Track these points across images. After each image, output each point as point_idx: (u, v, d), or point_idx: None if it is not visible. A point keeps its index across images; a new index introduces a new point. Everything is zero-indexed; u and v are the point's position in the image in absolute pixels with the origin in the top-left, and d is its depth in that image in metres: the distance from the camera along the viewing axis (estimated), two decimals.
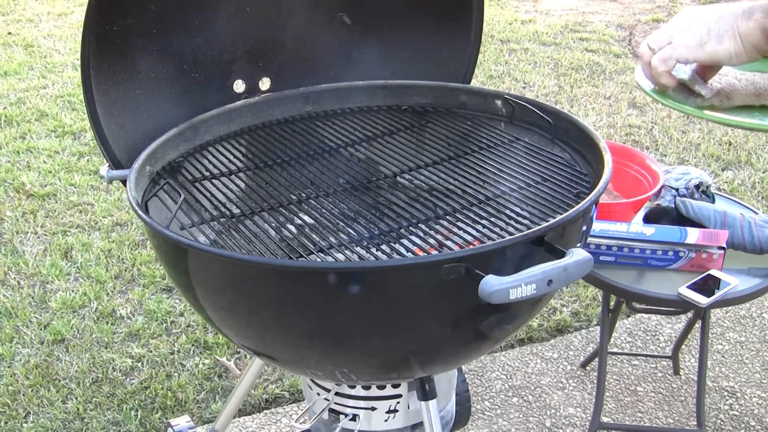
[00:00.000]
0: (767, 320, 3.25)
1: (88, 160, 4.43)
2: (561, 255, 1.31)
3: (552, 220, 1.39)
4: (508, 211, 1.57)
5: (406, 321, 1.40)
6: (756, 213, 2.34)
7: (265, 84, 2.03)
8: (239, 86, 1.99)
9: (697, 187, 2.40)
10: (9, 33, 6.60)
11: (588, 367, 2.95)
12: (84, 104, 1.70)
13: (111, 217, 3.84)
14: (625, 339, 3.12)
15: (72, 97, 5.28)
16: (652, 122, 4.94)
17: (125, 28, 1.72)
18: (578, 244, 1.52)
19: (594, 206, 1.51)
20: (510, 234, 1.47)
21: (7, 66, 5.87)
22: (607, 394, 2.80)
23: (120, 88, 1.76)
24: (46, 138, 4.73)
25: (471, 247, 1.43)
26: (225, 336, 1.67)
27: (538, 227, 1.37)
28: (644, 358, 3.03)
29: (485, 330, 1.49)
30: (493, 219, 1.55)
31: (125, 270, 3.44)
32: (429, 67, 2.10)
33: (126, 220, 3.81)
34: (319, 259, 1.45)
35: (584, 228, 1.52)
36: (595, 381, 2.83)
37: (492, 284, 1.21)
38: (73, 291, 3.30)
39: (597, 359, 2.86)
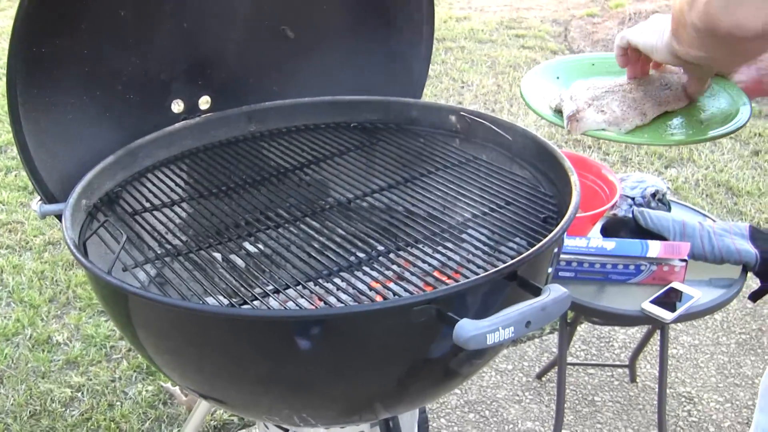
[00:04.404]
0: (719, 322, 3.22)
1: (15, 176, 4.24)
2: (536, 291, 1.23)
3: (525, 254, 1.30)
4: (474, 240, 1.48)
5: (371, 365, 1.31)
6: (714, 221, 2.29)
7: (205, 103, 1.91)
8: (178, 106, 1.87)
9: (653, 195, 2.35)
10: None
11: (544, 378, 2.89)
12: (11, 132, 1.57)
13: (43, 236, 3.68)
14: (579, 347, 3.06)
15: None
16: None
17: (55, 50, 1.60)
18: (549, 269, 1.44)
19: (564, 234, 1.43)
20: (477, 266, 1.39)
21: None
22: (565, 405, 2.73)
23: (50, 115, 1.63)
24: None
25: (441, 284, 1.35)
26: (168, 378, 1.56)
27: (510, 262, 1.28)
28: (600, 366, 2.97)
29: (455, 368, 1.40)
30: (456, 249, 1.46)
31: (60, 292, 3.28)
32: (378, 81, 2.00)
33: (58, 238, 3.65)
34: (274, 301, 1.34)
35: (555, 251, 1.44)
36: (552, 392, 2.78)
37: (468, 329, 1.12)
38: (5, 317, 3.13)
39: (553, 371, 2.80)
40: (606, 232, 2.22)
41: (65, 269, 3.43)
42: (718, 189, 4.18)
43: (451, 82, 5.56)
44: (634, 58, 1.54)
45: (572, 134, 1.44)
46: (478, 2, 7.44)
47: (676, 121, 1.51)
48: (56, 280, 3.36)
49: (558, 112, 1.51)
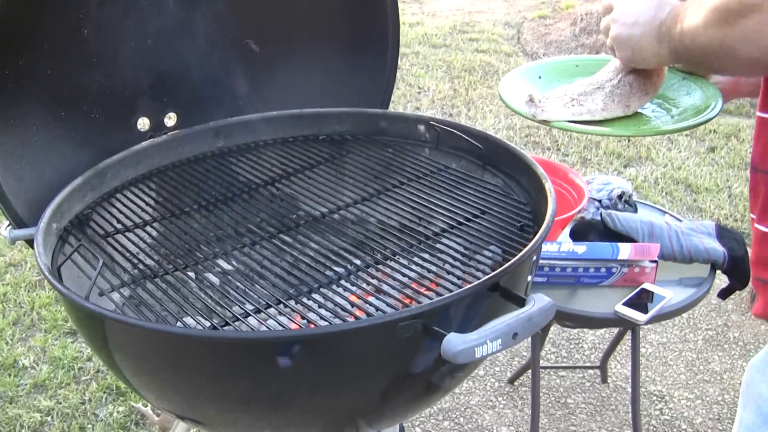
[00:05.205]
0: (685, 319, 3.24)
1: None
2: (521, 302, 1.23)
3: (507, 264, 1.30)
4: (451, 251, 1.48)
5: (354, 381, 1.30)
6: (680, 220, 2.30)
7: (171, 120, 1.89)
8: (144, 124, 1.85)
9: (620, 197, 2.36)
10: None
11: (516, 383, 2.89)
12: None
13: (3, 258, 3.62)
14: (550, 350, 3.06)
15: None
16: None
17: (18, 71, 1.58)
18: (529, 278, 1.43)
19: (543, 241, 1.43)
20: (457, 277, 1.38)
21: None
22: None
23: (16, 137, 1.61)
24: None
25: (420, 296, 1.34)
26: (143, 398, 1.54)
27: (493, 273, 1.28)
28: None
29: (437, 382, 1.40)
30: (433, 261, 1.45)
31: (24, 315, 3.23)
32: (345, 92, 2.00)
33: (20, 259, 3.60)
34: (253, 320, 1.33)
35: (534, 259, 1.44)
36: (525, 396, 2.78)
37: (456, 344, 1.11)
38: None
39: (526, 375, 2.81)
40: (575, 235, 2.22)
41: (28, 290, 3.38)
42: (678, 186, 4.22)
43: (408, 87, 5.56)
44: None
45: (538, 117, 1.42)
46: (430, 7, 7.47)
47: (649, 115, 1.51)
48: (20, 302, 3.30)
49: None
